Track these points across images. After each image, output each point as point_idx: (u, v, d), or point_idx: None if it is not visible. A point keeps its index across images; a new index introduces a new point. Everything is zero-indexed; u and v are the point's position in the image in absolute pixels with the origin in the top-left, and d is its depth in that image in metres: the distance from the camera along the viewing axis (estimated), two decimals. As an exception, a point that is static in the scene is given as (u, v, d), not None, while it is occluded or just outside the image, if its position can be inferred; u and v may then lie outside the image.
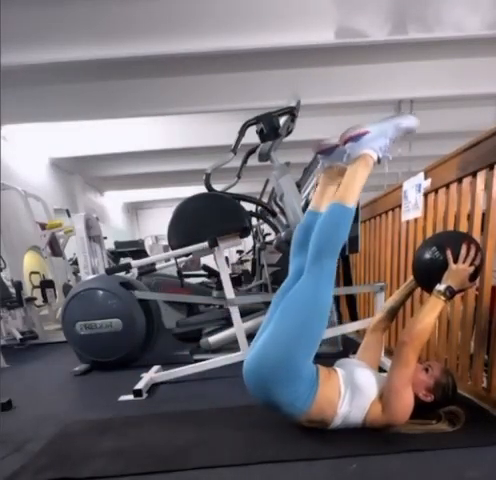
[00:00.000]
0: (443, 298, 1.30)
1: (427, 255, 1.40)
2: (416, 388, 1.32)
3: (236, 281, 4.95)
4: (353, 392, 1.32)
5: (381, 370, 1.62)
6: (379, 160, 1.40)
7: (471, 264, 1.31)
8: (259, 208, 3.00)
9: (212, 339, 2.54)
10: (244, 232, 2.18)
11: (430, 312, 1.30)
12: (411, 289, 1.60)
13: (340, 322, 2.61)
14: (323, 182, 1.57)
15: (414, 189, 2.03)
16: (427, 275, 1.42)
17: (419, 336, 1.29)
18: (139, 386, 1.98)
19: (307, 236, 1.41)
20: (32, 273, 4.30)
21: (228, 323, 2.46)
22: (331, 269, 1.34)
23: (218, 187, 2.35)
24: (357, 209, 2.13)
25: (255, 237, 4.06)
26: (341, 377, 1.36)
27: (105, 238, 4.10)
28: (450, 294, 1.31)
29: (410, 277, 1.59)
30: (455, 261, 1.32)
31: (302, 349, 1.30)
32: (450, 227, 1.80)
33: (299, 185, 2.41)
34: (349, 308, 2.71)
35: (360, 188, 1.37)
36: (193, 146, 6.15)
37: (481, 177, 1.58)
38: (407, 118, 1.47)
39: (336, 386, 1.33)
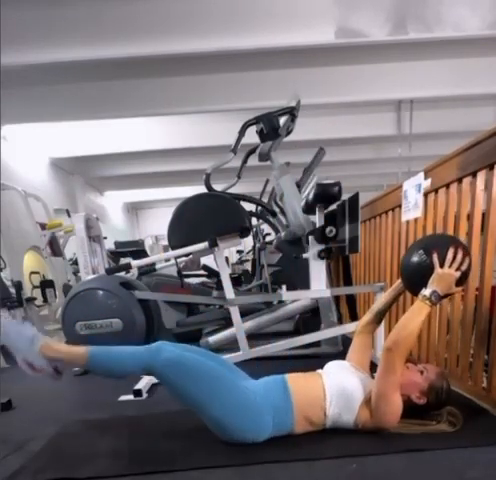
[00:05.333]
0: (429, 303, 1.28)
1: (414, 258, 1.37)
2: (410, 390, 1.32)
3: (236, 281, 4.95)
4: (340, 394, 1.32)
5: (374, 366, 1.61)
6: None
7: (458, 269, 1.29)
8: (259, 208, 3.01)
9: (212, 339, 2.54)
10: (244, 232, 2.18)
11: (415, 317, 1.28)
12: (399, 292, 1.59)
13: (340, 322, 2.61)
14: None
15: (414, 189, 2.03)
16: (413, 279, 1.40)
17: (404, 342, 1.27)
18: (139, 386, 1.98)
19: None
20: (32, 273, 4.29)
21: (228, 323, 2.46)
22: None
23: (218, 187, 2.35)
24: (357, 209, 2.14)
25: (255, 237, 4.07)
26: (326, 379, 1.36)
27: (105, 238, 4.09)
28: (436, 299, 1.28)
29: (398, 280, 1.58)
30: (441, 265, 1.29)
31: (226, 404, 1.28)
32: (450, 227, 1.80)
33: (299, 185, 2.41)
34: (349, 308, 2.71)
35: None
36: (193, 146, 6.15)
37: (481, 177, 1.58)
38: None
39: (319, 389, 1.34)
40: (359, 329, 1.63)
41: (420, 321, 1.29)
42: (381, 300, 1.64)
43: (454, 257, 1.29)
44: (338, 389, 1.33)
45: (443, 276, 1.29)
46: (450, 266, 1.29)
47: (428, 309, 1.29)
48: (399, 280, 1.56)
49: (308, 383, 1.37)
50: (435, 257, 1.30)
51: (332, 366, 1.48)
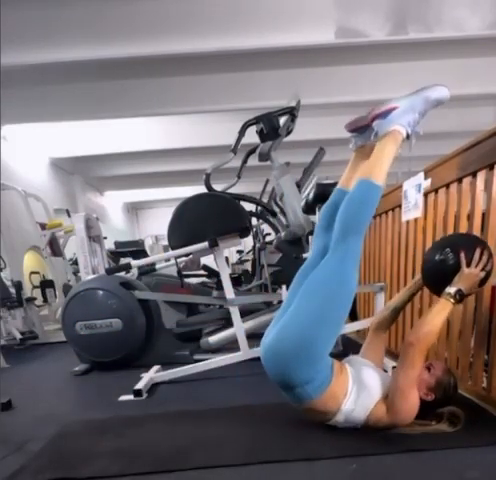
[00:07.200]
0: (452, 301, 1.29)
1: (440, 256, 1.38)
2: (417, 386, 1.32)
3: (236, 281, 4.95)
4: (359, 391, 1.31)
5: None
6: (408, 136, 1.36)
7: (482, 269, 1.31)
8: (259, 208, 3.01)
9: (212, 339, 2.53)
10: (244, 232, 2.18)
11: (438, 314, 1.29)
12: (417, 289, 1.59)
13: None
14: (354, 160, 1.54)
15: (414, 189, 2.03)
16: (436, 276, 1.40)
17: (426, 338, 1.28)
18: (139, 386, 1.98)
19: (334, 214, 1.36)
20: (32, 273, 4.30)
21: (228, 323, 2.46)
22: (356, 248, 1.30)
23: (218, 187, 2.34)
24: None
25: (255, 237, 4.06)
26: (350, 374, 1.35)
27: (105, 238, 4.10)
28: (460, 297, 1.30)
29: (417, 276, 1.58)
30: (468, 265, 1.31)
31: (324, 330, 1.27)
32: (450, 227, 1.80)
33: (299, 185, 2.41)
34: (349, 308, 2.70)
35: (388, 165, 1.33)
36: (193, 146, 6.16)
37: (481, 177, 1.58)
38: (435, 90, 1.43)
39: (345, 382, 1.32)
40: (374, 326, 1.61)
41: (443, 318, 1.29)
42: (399, 296, 1.63)
43: (480, 257, 1.30)
44: (358, 386, 1.32)
45: (469, 275, 1.30)
46: (476, 266, 1.30)
47: (451, 307, 1.30)
48: (418, 276, 1.56)
49: (340, 374, 1.34)
50: (462, 256, 1.31)
51: (354, 361, 1.45)
